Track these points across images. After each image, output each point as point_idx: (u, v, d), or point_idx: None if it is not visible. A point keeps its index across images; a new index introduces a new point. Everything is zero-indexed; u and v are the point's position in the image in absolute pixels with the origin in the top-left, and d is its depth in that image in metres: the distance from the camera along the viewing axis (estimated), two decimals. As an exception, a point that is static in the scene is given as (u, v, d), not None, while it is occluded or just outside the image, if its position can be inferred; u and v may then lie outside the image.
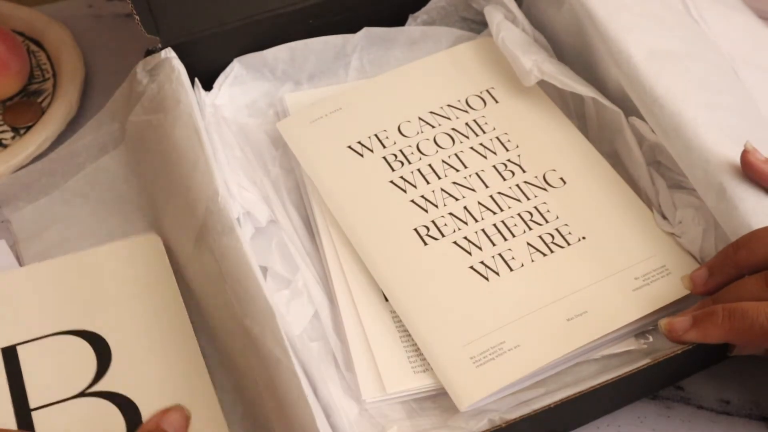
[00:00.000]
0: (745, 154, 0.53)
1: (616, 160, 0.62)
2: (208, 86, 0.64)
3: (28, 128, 0.67)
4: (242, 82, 0.66)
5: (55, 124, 0.66)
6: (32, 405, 0.50)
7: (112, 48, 0.73)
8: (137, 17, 0.61)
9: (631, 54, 0.59)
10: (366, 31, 0.68)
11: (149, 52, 0.62)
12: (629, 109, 0.60)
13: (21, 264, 0.60)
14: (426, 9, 0.70)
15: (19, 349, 0.53)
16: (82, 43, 0.72)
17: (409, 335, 0.53)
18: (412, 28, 0.69)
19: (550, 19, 0.67)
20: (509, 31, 0.65)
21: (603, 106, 0.61)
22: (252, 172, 0.61)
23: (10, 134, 0.67)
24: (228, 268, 0.52)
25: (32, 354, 0.53)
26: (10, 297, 0.55)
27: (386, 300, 0.55)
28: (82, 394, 0.51)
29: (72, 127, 0.68)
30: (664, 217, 0.58)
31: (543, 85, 0.64)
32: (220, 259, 0.52)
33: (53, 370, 0.52)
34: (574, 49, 0.66)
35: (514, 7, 0.67)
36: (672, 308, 0.53)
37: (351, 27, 0.67)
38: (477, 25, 0.71)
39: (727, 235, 0.52)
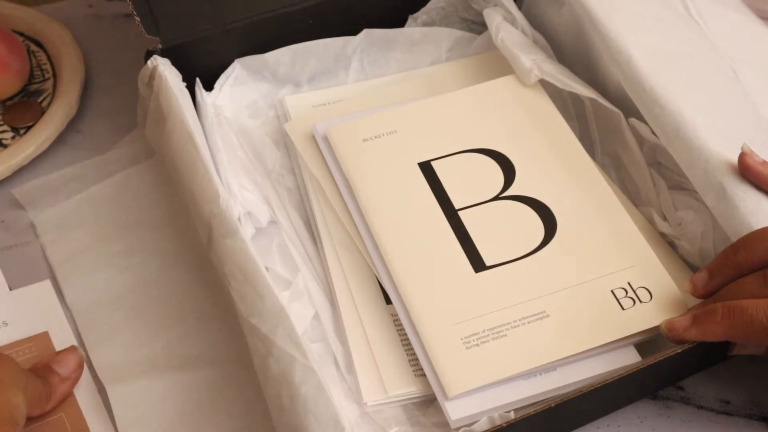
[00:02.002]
0: (742, 157, 0.53)
1: (616, 161, 0.62)
2: (209, 86, 0.64)
3: (28, 128, 0.67)
4: (243, 83, 0.66)
5: (55, 124, 0.67)
6: (456, 207, 0.57)
7: (112, 48, 0.73)
8: (137, 17, 0.61)
9: (631, 54, 0.58)
10: (366, 33, 0.68)
11: (149, 53, 0.62)
12: (629, 110, 0.60)
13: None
14: (425, 9, 0.70)
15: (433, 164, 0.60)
16: (82, 43, 0.73)
17: (410, 338, 0.53)
18: (412, 30, 0.69)
19: (549, 19, 0.67)
20: (508, 33, 0.65)
21: (603, 107, 0.61)
22: (253, 173, 0.61)
23: (10, 134, 0.67)
24: (231, 268, 0.52)
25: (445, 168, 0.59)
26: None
27: (387, 302, 0.55)
28: (496, 198, 0.58)
29: (72, 126, 0.68)
30: (665, 219, 0.58)
31: (543, 86, 0.64)
32: (223, 259, 0.52)
33: (465, 181, 0.59)
34: (574, 49, 0.66)
35: (513, 8, 0.67)
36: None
37: (351, 27, 0.67)
38: (477, 25, 0.71)
39: (727, 237, 0.52)
